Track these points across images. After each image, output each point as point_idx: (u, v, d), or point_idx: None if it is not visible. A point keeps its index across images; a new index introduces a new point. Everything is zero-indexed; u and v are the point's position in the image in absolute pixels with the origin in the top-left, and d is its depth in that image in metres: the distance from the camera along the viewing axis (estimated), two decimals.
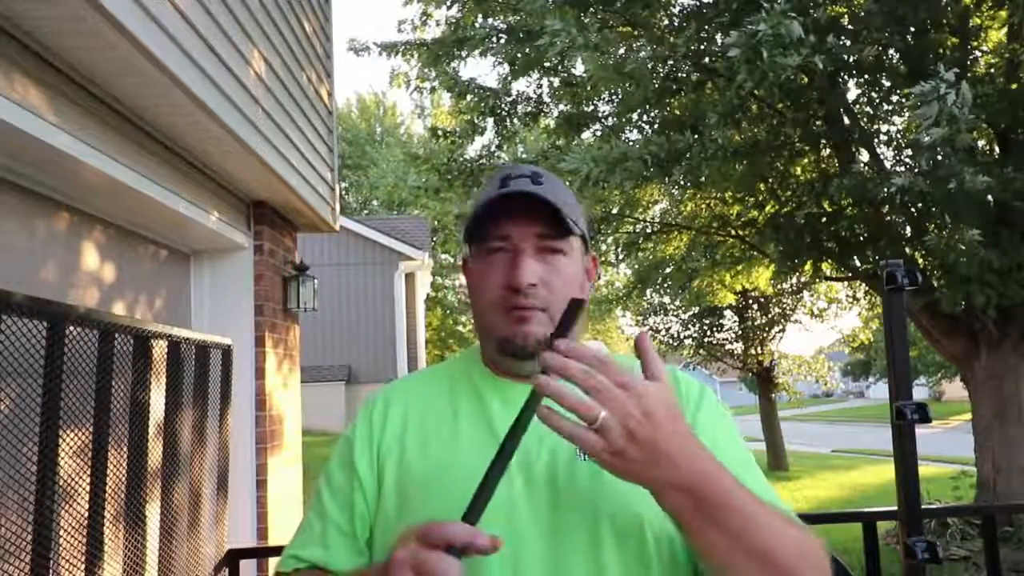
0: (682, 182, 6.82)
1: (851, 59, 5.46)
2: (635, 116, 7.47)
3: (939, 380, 28.98)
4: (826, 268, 7.55)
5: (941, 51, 5.99)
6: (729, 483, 0.75)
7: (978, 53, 6.52)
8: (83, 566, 2.02)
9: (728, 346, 15.87)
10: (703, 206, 8.97)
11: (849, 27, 5.96)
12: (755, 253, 8.42)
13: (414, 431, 0.97)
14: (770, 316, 15.08)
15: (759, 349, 15.29)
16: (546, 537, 0.86)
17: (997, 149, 6.26)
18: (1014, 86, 5.75)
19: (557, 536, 0.86)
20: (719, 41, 5.66)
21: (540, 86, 7.97)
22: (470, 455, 0.91)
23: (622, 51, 6.13)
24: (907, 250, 6.19)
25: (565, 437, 0.70)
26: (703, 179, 6.74)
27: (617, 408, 0.69)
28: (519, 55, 7.12)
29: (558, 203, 0.92)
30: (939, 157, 5.01)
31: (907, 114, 6.14)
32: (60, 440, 1.88)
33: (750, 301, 14.86)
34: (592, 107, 7.86)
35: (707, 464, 0.74)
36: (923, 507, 1.95)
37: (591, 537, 0.86)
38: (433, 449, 0.94)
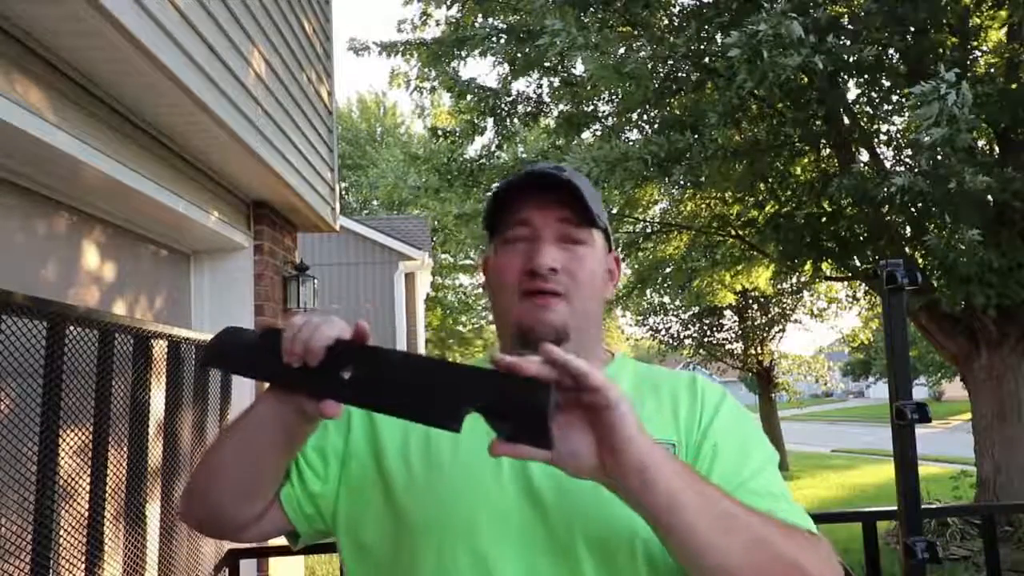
0: (682, 182, 6.82)
1: (851, 59, 5.47)
2: (635, 116, 7.48)
3: (939, 380, 28.97)
4: (826, 268, 7.55)
5: (941, 51, 6.00)
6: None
7: (978, 53, 6.52)
8: (83, 566, 2.02)
9: (728, 346, 15.87)
10: (703, 206, 8.98)
11: (849, 27, 5.97)
12: (755, 253, 8.42)
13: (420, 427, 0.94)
14: (770, 316, 15.08)
15: (759, 349, 15.29)
16: (525, 547, 0.82)
17: (997, 149, 6.26)
18: (1014, 86, 5.76)
19: (536, 547, 0.82)
20: (719, 41, 5.66)
21: (540, 86, 7.98)
22: (471, 437, 0.86)
23: (622, 51, 6.13)
24: (907, 250, 6.20)
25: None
26: (703, 179, 6.75)
27: None
28: (519, 55, 7.12)
29: (581, 187, 0.89)
30: (939, 157, 5.01)
31: (907, 114, 6.14)
32: (60, 440, 1.88)
33: (750, 301, 14.85)
34: (592, 107, 7.87)
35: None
36: (923, 507, 1.95)
37: (570, 551, 0.82)
38: (437, 438, 0.90)
